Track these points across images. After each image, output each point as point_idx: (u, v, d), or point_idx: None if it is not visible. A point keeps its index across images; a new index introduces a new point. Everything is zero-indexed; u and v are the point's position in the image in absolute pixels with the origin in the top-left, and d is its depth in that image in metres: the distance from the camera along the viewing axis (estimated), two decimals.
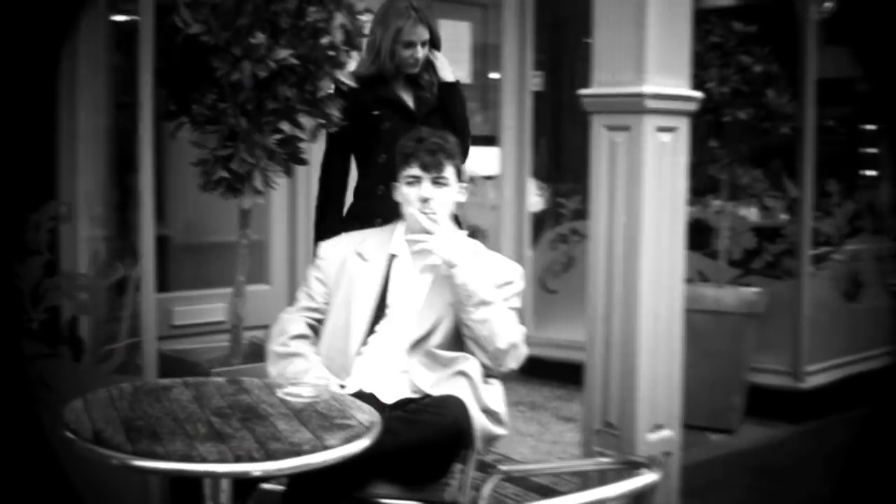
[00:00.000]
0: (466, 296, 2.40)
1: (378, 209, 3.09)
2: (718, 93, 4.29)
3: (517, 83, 5.17)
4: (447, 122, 3.34)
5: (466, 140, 3.41)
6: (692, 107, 3.31)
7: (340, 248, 2.66)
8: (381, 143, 3.27)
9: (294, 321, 2.58)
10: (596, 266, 3.31)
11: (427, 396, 2.39)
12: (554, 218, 5.43)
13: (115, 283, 2.75)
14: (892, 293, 4.34)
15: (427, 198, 2.53)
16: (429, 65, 3.48)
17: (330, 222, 3.30)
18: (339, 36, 2.71)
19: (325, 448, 1.81)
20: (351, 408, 2.04)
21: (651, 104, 3.15)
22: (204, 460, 1.71)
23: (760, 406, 4.58)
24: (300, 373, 2.39)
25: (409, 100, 3.43)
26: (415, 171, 2.54)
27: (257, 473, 1.76)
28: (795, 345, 4.65)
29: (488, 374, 2.48)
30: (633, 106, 3.17)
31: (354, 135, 3.29)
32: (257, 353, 2.95)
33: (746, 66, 4.35)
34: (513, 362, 2.48)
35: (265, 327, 2.81)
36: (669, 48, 3.24)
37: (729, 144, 4.47)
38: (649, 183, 3.20)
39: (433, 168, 2.54)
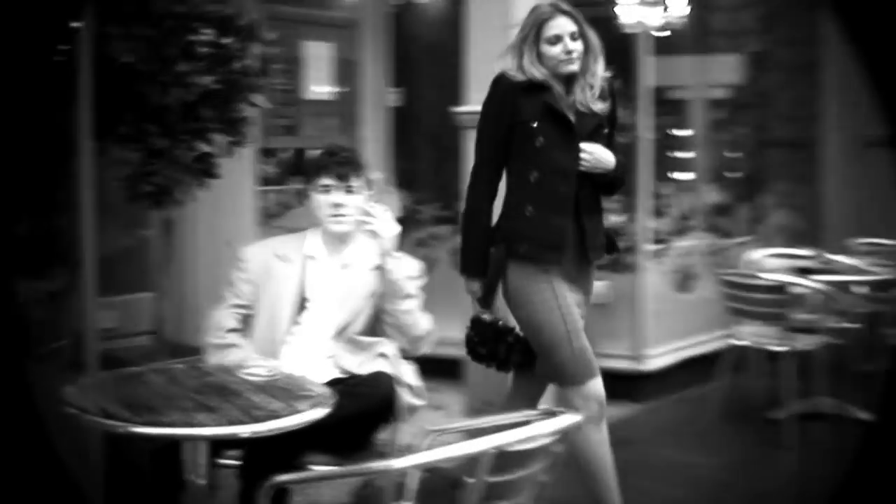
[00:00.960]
0: (398, 289, 2.92)
1: (527, 231, 3.20)
2: None
3: (376, 98, 5.72)
4: (610, 144, 3.30)
5: (620, 158, 3.33)
6: None
7: (261, 252, 3.13)
8: (534, 161, 3.20)
9: (226, 317, 3.02)
10: None
11: (354, 376, 2.90)
12: (413, 224, 6.00)
13: (58, 286, 3.09)
14: (721, 283, 5.16)
15: (339, 204, 3.03)
16: (588, 70, 3.24)
17: (475, 238, 3.31)
18: (253, 63, 3.17)
19: (299, 412, 2.30)
20: (306, 382, 2.54)
21: None
22: (203, 425, 2.16)
23: (607, 388, 5.30)
24: (240, 360, 2.84)
25: (570, 113, 3.22)
26: (327, 180, 3.05)
27: (247, 434, 2.22)
28: (636, 332, 5.43)
29: (405, 356, 3.02)
30: None
31: (508, 144, 3.24)
32: (175, 350, 3.36)
33: None
34: (426, 346, 3.04)
35: None
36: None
37: None
38: None
39: (344, 178, 3.05)
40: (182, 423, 2.16)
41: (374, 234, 2.96)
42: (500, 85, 3.25)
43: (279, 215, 5.04)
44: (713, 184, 6.51)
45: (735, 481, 4.33)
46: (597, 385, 3.27)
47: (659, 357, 5.48)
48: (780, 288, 4.71)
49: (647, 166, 5.42)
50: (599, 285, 5.30)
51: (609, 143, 3.29)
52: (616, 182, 3.37)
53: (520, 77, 3.21)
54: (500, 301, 3.37)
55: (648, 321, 5.45)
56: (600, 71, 3.27)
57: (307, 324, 3.03)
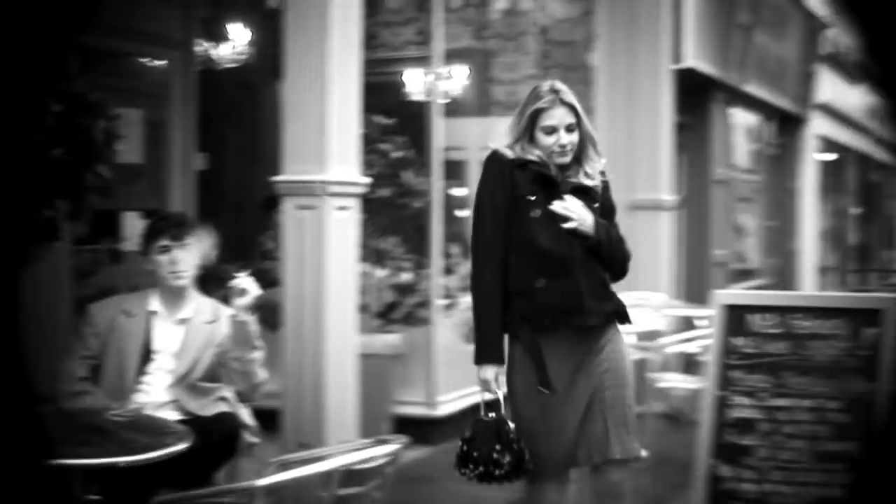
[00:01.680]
0: (249, 340, 3.41)
1: (545, 304, 3.23)
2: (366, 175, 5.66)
3: (183, 162, 6.12)
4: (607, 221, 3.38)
5: (624, 250, 3.40)
6: (362, 190, 4.61)
7: (108, 308, 3.54)
8: (535, 232, 3.26)
9: (78, 366, 3.41)
10: (290, 320, 4.46)
11: (198, 418, 3.36)
12: (216, 282, 6.42)
13: None
14: None
15: (175, 261, 3.51)
16: (584, 156, 3.35)
17: (489, 320, 3.28)
18: (99, 136, 3.60)
19: (168, 446, 2.77)
20: (166, 422, 3.00)
21: (333, 189, 4.40)
22: (88, 457, 2.60)
23: (404, 431, 5.95)
24: (100, 405, 3.25)
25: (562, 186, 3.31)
26: (165, 241, 3.52)
27: (126, 463, 2.67)
28: (429, 380, 6.10)
29: (241, 399, 3.52)
30: (319, 190, 4.39)
31: (509, 219, 3.30)
32: None
33: (386, 152, 5.78)
34: (260, 393, 3.55)
35: None
36: (344, 143, 4.51)
37: (373, 217, 5.85)
38: (332, 251, 4.44)
39: (179, 238, 3.53)
40: (71, 454, 2.58)
41: (241, 292, 3.42)
42: (496, 161, 3.34)
43: (93, 274, 5.35)
44: None
45: None
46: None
47: (450, 403, 6.18)
48: None
49: (438, 227, 6.15)
50: (393, 337, 6.00)
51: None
52: (612, 257, 3.33)
53: (511, 155, 3.30)
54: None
55: (440, 370, 6.14)
56: (596, 158, 3.37)
57: (154, 373, 3.47)
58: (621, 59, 7.88)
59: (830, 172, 15.08)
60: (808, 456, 3.78)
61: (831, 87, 12.98)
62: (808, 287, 12.59)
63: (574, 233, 3.23)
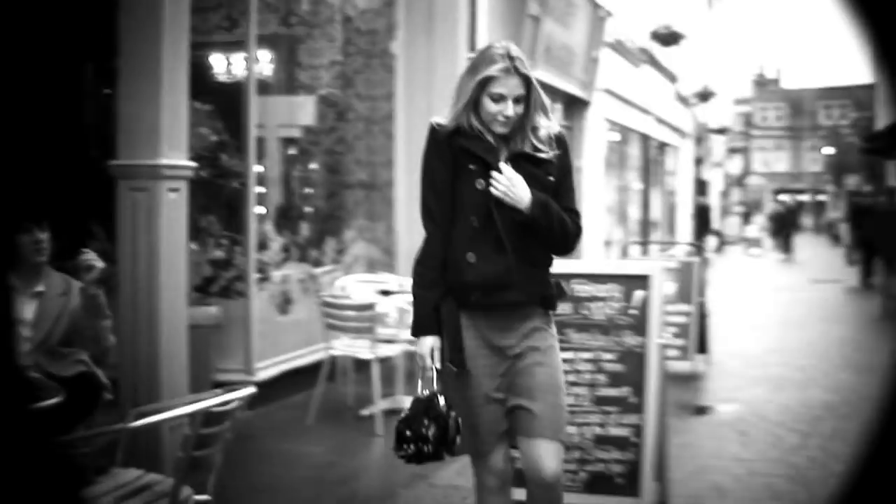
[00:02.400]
0: (102, 310, 3.96)
1: (471, 279, 3.22)
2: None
3: None
4: (557, 195, 3.32)
5: (577, 220, 3.39)
6: (190, 173, 5.19)
7: None
8: (469, 205, 3.24)
9: None
10: (126, 294, 5.01)
11: (61, 378, 3.91)
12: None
13: None
14: (319, 304, 6.61)
15: (40, 241, 4.03)
16: (528, 132, 3.27)
17: (423, 289, 3.30)
18: None
19: (42, 400, 3.33)
20: (38, 379, 3.56)
21: (165, 172, 4.96)
22: None
23: None
24: None
25: (502, 157, 3.26)
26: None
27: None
28: (247, 349, 6.73)
29: (95, 362, 4.09)
30: (153, 174, 4.94)
31: (452, 193, 3.28)
32: None
33: (205, 136, 6.33)
34: (110, 356, 4.13)
35: None
36: (174, 129, 5.07)
37: (193, 197, 6.38)
38: (163, 230, 5.01)
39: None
40: None
41: (88, 267, 3.96)
42: (433, 132, 3.30)
43: None
44: (295, 220, 7.95)
45: (338, 461, 5.80)
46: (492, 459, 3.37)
47: (266, 369, 6.83)
48: (368, 306, 6.29)
49: (252, 204, 6.76)
50: (212, 310, 6.57)
51: (556, 194, 3.31)
52: (550, 233, 3.27)
53: (451, 125, 3.25)
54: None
55: (256, 339, 6.78)
56: (544, 122, 3.29)
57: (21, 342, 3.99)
58: (421, 47, 8.70)
59: (615, 151, 16.54)
60: (588, 400, 4.69)
61: (615, 72, 14.32)
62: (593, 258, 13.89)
63: (505, 205, 3.18)
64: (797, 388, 8.33)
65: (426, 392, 3.24)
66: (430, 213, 3.31)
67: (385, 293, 6.68)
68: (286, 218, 7.49)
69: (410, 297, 3.39)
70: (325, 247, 7.94)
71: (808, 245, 37.22)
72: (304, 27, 8.08)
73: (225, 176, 6.45)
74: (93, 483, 3.42)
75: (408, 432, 3.20)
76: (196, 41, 7.29)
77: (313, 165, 8.32)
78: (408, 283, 7.50)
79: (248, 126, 6.63)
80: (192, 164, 5.20)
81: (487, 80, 3.18)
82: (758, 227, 36.86)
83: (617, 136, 16.51)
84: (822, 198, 60.19)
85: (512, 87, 3.17)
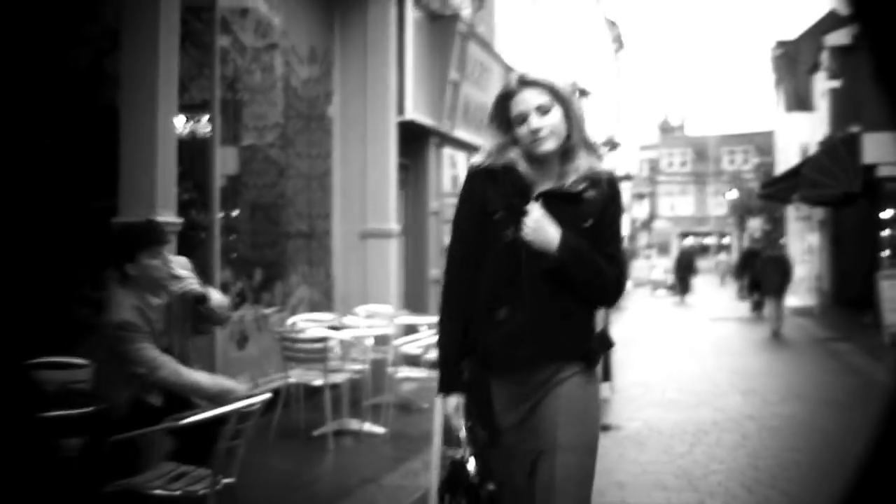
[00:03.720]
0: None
1: (496, 337, 3.05)
2: None
3: None
4: (598, 240, 3.06)
5: (618, 268, 3.12)
6: (178, 228, 6.36)
7: None
8: (503, 257, 3.04)
9: None
10: None
11: None
12: None
13: None
14: (278, 339, 7.77)
15: (167, 262, 5.13)
16: (564, 166, 3.05)
17: (445, 347, 3.19)
18: None
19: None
20: None
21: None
22: None
23: None
24: None
25: (535, 195, 3.02)
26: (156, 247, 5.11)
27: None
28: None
29: None
30: None
31: (482, 242, 3.10)
32: None
33: (178, 193, 7.48)
34: None
35: None
36: (166, 191, 6.24)
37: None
38: None
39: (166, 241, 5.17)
40: None
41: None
42: (469, 175, 3.16)
43: None
44: (249, 267, 9.10)
45: (298, 470, 6.95)
46: None
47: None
48: (321, 339, 7.49)
49: (217, 253, 7.91)
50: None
51: (595, 239, 3.04)
52: (583, 282, 3.03)
53: (488, 163, 3.08)
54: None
55: (219, 370, 7.88)
56: (584, 157, 3.06)
57: None
58: (356, 111, 10.00)
59: None
60: None
61: None
62: None
63: (533, 251, 2.96)
64: (689, 409, 9.78)
65: (459, 454, 3.16)
66: (456, 264, 3.16)
67: (333, 328, 7.89)
68: (241, 265, 8.63)
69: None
70: (274, 290, 9.10)
71: (706, 286, 39.89)
72: (248, 93, 9.27)
73: (195, 229, 7.58)
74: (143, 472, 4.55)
75: (444, 498, 3.21)
76: None
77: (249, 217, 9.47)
78: (349, 321, 8.85)
79: (213, 183, 7.80)
80: (180, 219, 6.37)
81: (506, 104, 3.03)
82: (662, 269, 38.98)
83: None
84: (725, 240, 63.14)
85: (528, 99, 2.98)
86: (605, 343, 3.28)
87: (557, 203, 3.02)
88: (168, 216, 6.21)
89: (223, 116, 9.05)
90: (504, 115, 3.06)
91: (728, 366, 13.86)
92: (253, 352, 8.41)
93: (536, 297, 3.01)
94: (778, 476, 6.99)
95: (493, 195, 3.06)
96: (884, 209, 22.42)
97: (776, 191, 27.44)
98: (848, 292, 24.29)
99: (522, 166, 3.05)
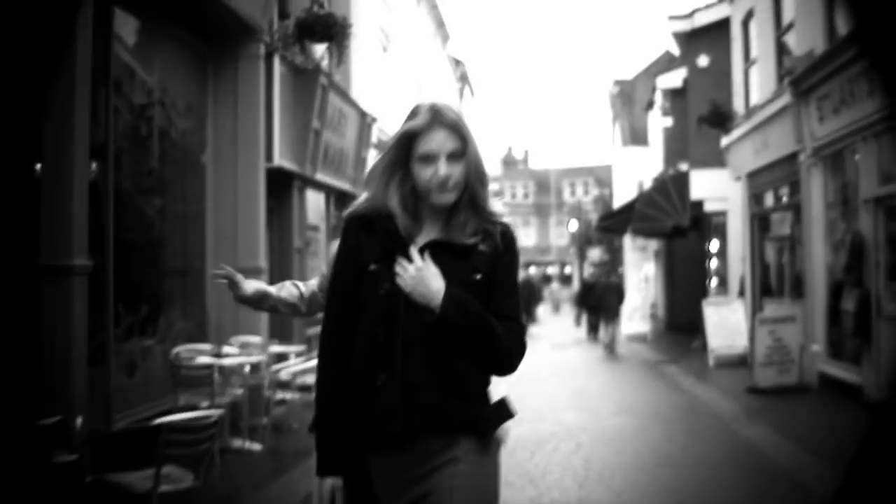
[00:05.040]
0: None
1: (378, 408, 2.77)
2: None
3: None
4: (492, 298, 2.85)
5: (516, 330, 2.88)
6: (89, 269, 7.48)
7: None
8: (379, 315, 2.79)
9: None
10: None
11: None
12: None
13: None
14: (170, 366, 8.91)
15: None
16: (478, 207, 2.86)
17: (326, 420, 2.92)
18: None
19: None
20: None
21: (77, 269, 7.25)
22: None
23: None
24: None
25: (416, 249, 2.78)
26: None
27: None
28: (106, 405, 8.92)
29: None
30: (69, 271, 7.22)
31: (355, 291, 2.87)
32: None
33: None
34: None
35: None
36: (81, 235, 7.36)
37: None
38: (76, 312, 7.27)
39: None
40: None
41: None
42: (345, 225, 2.94)
43: None
44: (138, 302, 10.18)
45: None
46: None
47: (120, 421, 9.03)
48: (207, 367, 8.68)
49: (111, 291, 8.99)
50: None
51: (489, 297, 2.84)
52: (471, 342, 2.77)
53: (363, 209, 2.88)
54: None
55: (113, 397, 8.97)
56: (485, 203, 2.87)
57: None
58: (227, 158, 11.24)
59: None
60: None
61: None
62: None
63: (413, 304, 2.71)
64: (530, 423, 11.34)
65: None
66: (328, 330, 2.93)
67: (216, 356, 9.09)
68: (129, 300, 9.71)
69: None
70: (158, 323, 10.21)
71: (547, 314, 42.68)
72: (126, 140, 10.36)
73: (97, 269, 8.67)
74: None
75: None
76: None
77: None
78: (227, 350, 10.05)
79: (108, 227, 8.90)
80: (91, 262, 7.51)
81: (412, 140, 2.81)
82: None
83: None
84: (567, 270, 66.17)
85: (441, 140, 2.78)
86: (503, 413, 2.97)
87: (443, 255, 2.79)
88: (82, 259, 7.34)
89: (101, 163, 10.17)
90: (405, 151, 2.82)
91: (567, 386, 15.64)
92: (141, 380, 9.50)
93: (416, 359, 2.74)
94: (605, 475, 8.56)
95: (368, 245, 2.84)
96: (710, 240, 24.85)
97: (613, 223, 29.66)
98: (680, 319, 26.65)
99: (401, 216, 2.83)
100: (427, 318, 2.73)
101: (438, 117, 2.83)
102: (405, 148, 2.86)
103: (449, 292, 2.73)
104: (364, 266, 2.85)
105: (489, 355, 2.84)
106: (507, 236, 2.96)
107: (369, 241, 2.87)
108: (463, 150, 2.84)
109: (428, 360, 2.78)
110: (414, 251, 2.78)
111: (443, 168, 2.80)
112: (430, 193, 2.84)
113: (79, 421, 6.51)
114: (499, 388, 3.11)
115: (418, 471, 2.82)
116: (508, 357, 2.89)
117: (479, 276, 2.85)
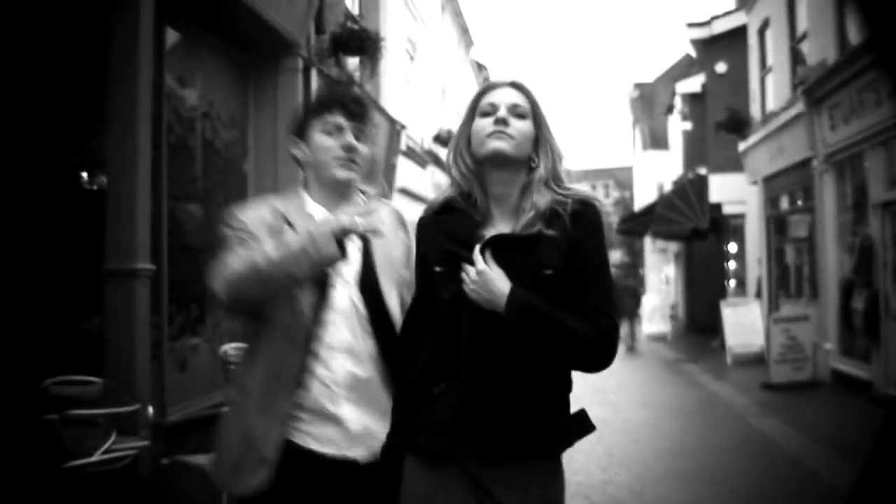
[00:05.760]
0: None
1: (434, 421, 2.54)
2: None
3: None
4: (571, 290, 2.53)
5: (602, 322, 2.52)
6: (152, 273, 8.16)
7: None
8: (442, 320, 2.59)
9: None
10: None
11: None
12: None
13: None
14: None
15: None
16: (523, 201, 2.58)
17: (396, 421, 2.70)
18: None
19: None
20: None
21: (140, 273, 7.93)
22: None
23: None
24: None
25: (479, 244, 2.54)
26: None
27: None
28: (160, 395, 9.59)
29: None
30: (132, 273, 7.89)
31: (425, 295, 2.70)
32: None
33: None
34: None
35: None
36: (144, 241, 8.04)
37: None
38: (139, 313, 7.95)
39: None
40: None
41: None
42: (418, 224, 2.76)
43: None
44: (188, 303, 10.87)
45: None
46: None
47: (174, 413, 9.69)
48: None
49: (165, 293, 9.67)
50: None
51: (568, 289, 2.52)
52: (544, 346, 2.49)
53: (441, 201, 2.68)
54: None
55: (167, 390, 9.65)
56: (549, 183, 2.58)
57: None
58: (268, 167, 11.92)
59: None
60: None
61: (407, 174, 17.91)
62: None
63: (481, 311, 2.49)
64: None
65: None
66: (402, 337, 2.78)
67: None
68: (180, 301, 10.38)
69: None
70: (206, 323, 10.88)
71: None
72: (174, 150, 11.04)
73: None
74: None
75: None
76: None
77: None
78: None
79: (162, 233, 9.57)
80: (153, 266, 8.18)
81: (479, 99, 2.65)
82: None
83: None
84: None
85: (505, 95, 2.61)
86: (582, 427, 2.66)
87: (506, 252, 2.52)
88: (145, 263, 8.01)
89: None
90: (472, 112, 2.65)
91: (588, 383, 16.20)
92: (190, 375, 10.17)
93: (480, 370, 2.49)
94: (625, 461, 9.19)
95: (432, 246, 2.62)
96: (728, 243, 25.39)
97: (634, 225, 30.24)
98: (699, 319, 27.19)
99: (464, 203, 2.63)
100: (493, 325, 2.49)
101: (505, 79, 2.70)
102: (472, 109, 2.69)
103: (513, 294, 2.47)
104: (431, 270, 2.65)
105: (568, 356, 2.55)
106: (584, 216, 2.59)
107: (433, 242, 2.67)
108: (530, 110, 2.64)
109: (494, 371, 2.51)
110: (476, 253, 2.55)
111: (501, 111, 2.60)
112: (487, 140, 2.58)
113: (150, 410, 7.18)
114: None
115: (475, 494, 2.56)
116: (592, 355, 2.55)
117: (549, 272, 2.52)
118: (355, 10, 14.08)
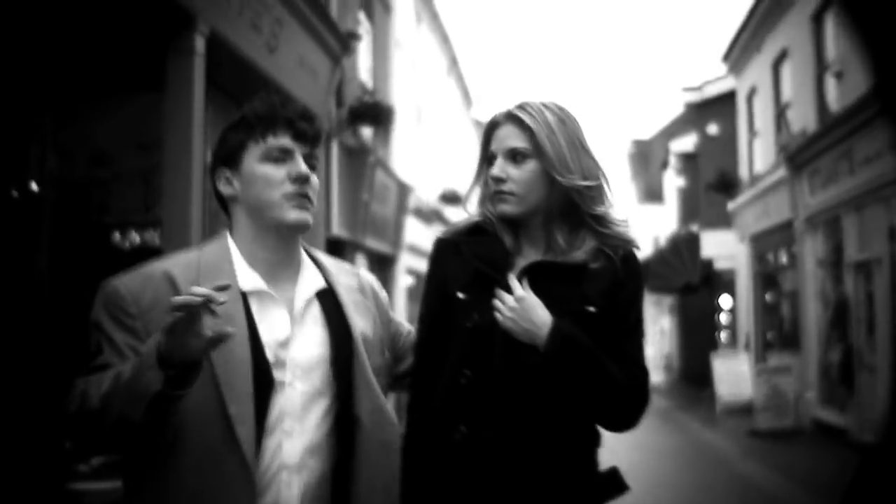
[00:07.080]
0: None
1: (459, 470, 2.27)
2: None
3: None
4: (607, 334, 2.33)
5: (636, 374, 2.34)
6: None
7: None
8: (465, 353, 2.31)
9: None
10: None
11: None
12: None
13: None
14: None
15: None
16: (556, 231, 2.37)
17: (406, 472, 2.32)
18: None
19: None
20: None
21: None
22: None
23: None
24: None
25: (517, 272, 2.35)
26: None
27: None
28: None
29: None
30: None
31: (443, 325, 2.39)
32: None
33: None
34: None
35: None
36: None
37: None
38: None
39: None
40: None
41: None
42: (433, 249, 2.51)
43: None
44: None
45: None
46: None
47: None
48: None
49: None
50: None
51: (605, 333, 2.32)
52: (584, 388, 2.28)
53: (456, 228, 2.47)
54: None
55: None
56: (598, 217, 2.37)
57: None
58: None
59: (412, 297, 21.15)
60: None
61: (414, 230, 19.07)
62: None
63: (514, 342, 2.26)
64: None
65: None
66: (416, 371, 2.48)
67: None
68: None
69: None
70: None
71: None
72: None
73: None
74: None
75: None
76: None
77: None
78: None
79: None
80: None
81: (489, 137, 2.45)
82: None
83: (412, 281, 21.19)
84: None
85: (503, 137, 2.38)
86: (614, 486, 2.48)
87: (546, 281, 2.34)
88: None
89: None
90: (485, 150, 2.47)
91: None
92: None
93: (508, 411, 2.27)
94: None
95: (454, 270, 2.40)
96: (719, 296, 26.58)
97: None
98: (693, 370, 28.21)
99: (497, 227, 2.42)
100: (529, 359, 2.27)
101: (512, 110, 2.42)
102: (485, 146, 2.49)
103: (557, 326, 2.26)
104: (451, 295, 2.38)
105: (604, 405, 2.35)
106: (631, 261, 2.42)
107: (457, 265, 2.42)
108: (531, 148, 2.36)
109: (524, 413, 2.28)
110: (512, 278, 2.34)
111: (495, 168, 2.38)
112: (492, 206, 2.43)
113: None
114: None
115: None
116: (626, 407, 2.37)
117: (593, 309, 2.32)
118: (370, 83, 15.38)
